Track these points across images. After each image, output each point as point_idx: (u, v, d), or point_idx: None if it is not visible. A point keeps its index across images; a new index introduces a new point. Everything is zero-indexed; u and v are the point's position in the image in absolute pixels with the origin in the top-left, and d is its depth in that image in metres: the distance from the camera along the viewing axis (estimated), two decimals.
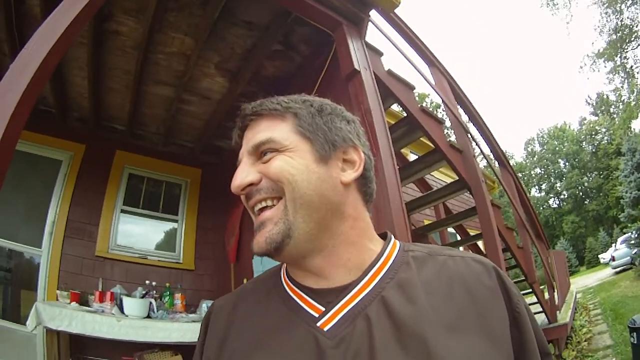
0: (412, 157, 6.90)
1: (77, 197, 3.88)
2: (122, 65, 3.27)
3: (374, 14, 2.85)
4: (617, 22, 13.42)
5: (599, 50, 13.84)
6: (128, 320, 3.13)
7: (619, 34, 13.33)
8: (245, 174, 0.62)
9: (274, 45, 2.95)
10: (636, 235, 14.46)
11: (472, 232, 5.29)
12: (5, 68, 3.02)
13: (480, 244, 5.49)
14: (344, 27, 2.65)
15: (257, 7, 2.77)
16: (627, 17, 13.35)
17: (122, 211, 4.25)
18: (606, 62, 13.73)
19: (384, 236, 0.69)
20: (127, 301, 3.31)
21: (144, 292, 3.63)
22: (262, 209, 0.61)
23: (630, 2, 13.21)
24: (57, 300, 3.30)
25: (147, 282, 3.80)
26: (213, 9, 2.73)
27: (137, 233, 4.38)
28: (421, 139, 3.44)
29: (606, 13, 13.54)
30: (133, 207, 4.36)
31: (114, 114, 4.03)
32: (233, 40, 2.99)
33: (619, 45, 13.31)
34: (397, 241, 0.67)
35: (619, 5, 13.29)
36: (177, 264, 4.34)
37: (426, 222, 5.17)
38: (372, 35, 2.87)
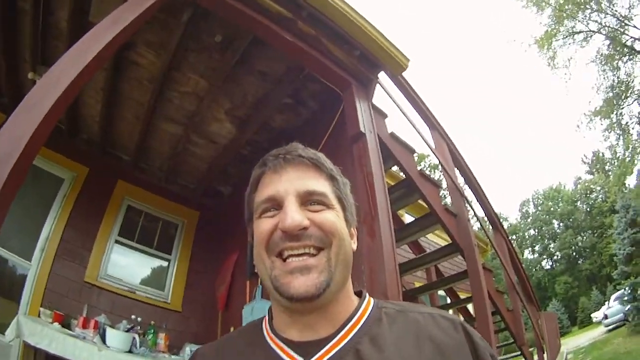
0: (407, 217, 6.95)
1: (73, 219, 3.86)
2: (136, 96, 3.36)
3: (382, 75, 2.99)
4: (613, 79, 13.94)
5: (595, 109, 14.27)
6: (109, 352, 3.07)
7: (615, 91, 13.80)
8: (301, 216, 0.63)
9: (284, 98, 3.07)
10: (629, 291, 14.40)
11: (462, 295, 5.26)
12: (24, 73, 3.15)
13: (470, 306, 5.45)
14: (353, 87, 2.78)
15: (273, 59, 2.91)
16: (624, 73, 13.88)
17: (116, 241, 4.21)
18: (602, 119, 14.12)
19: (359, 294, 0.73)
20: (110, 332, 3.25)
21: (128, 326, 3.55)
22: (299, 254, 0.63)
23: (626, 57, 13.72)
24: (39, 317, 3.22)
25: (132, 316, 3.71)
26: (231, 56, 2.87)
27: (128, 266, 4.32)
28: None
29: (603, 70, 14.12)
30: (128, 239, 4.31)
31: (121, 142, 4.09)
32: (246, 89, 3.12)
33: (615, 102, 13.75)
34: (371, 298, 0.71)
35: (616, 62, 13.81)
36: (164, 303, 4.25)
37: (417, 284, 5.16)
38: (377, 93, 2.99)
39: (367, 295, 0.73)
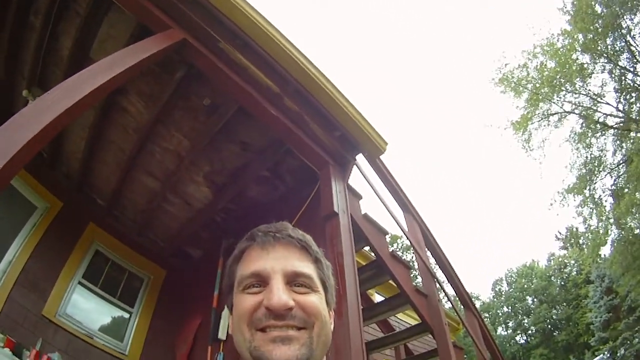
0: (377, 296, 6.89)
1: (39, 250, 3.73)
2: (120, 143, 3.37)
3: (360, 157, 3.08)
4: (586, 156, 14.43)
5: (568, 186, 14.65)
6: None
7: (588, 167, 14.27)
8: (287, 297, 0.64)
9: (262, 170, 3.11)
10: (609, 355, 14.34)
11: None
12: (19, 89, 3.14)
13: None
14: (330, 167, 2.85)
15: (256, 130, 2.98)
16: (597, 148, 14.44)
17: (80, 282, 4.06)
18: (575, 196, 14.51)
19: None
20: None
21: None
22: (281, 328, 0.63)
23: (599, 133, 14.31)
24: None
25: None
26: (216, 121, 2.93)
27: (89, 310, 4.13)
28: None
29: (577, 148, 14.66)
30: (92, 283, 4.16)
31: (98, 185, 4.05)
32: (226, 156, 3.16)
33: (588, 178, 14.14)
34: None
35: (589, 139, 14.42)
36: (122, 355, 4.04)
37: None
38: (354, 172, 3.07)
39: None
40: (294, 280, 0.67)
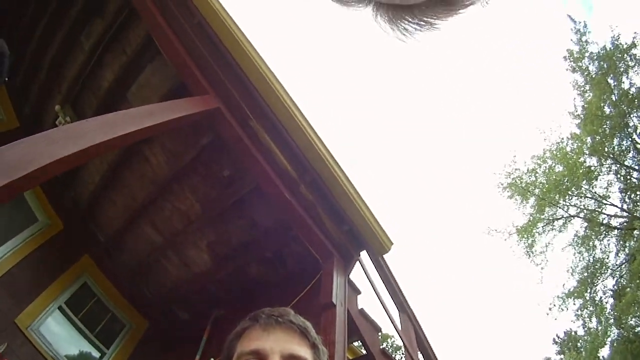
0: None
1: (29, 260, 3.75)
2: (133, 189, 3.44)
3: (363, 253, 3.11)
4: (589, 259, 14.23)
5: (569, 290, 14.33)
6: None
7: (590, 270, 14.04)
8: None
9: (266, 251, 3.14)
10: None
11: None
12: (53, 102, 3.27)
13: None
14: (334, 259, 2.88)
15: (267, 211, 3.04)
16: (600, 251, 14.24)
17: (60, 307, 4.03)
18: (575, 300, 14.19)
19: None
20: None
21: None
22: None
23: (602, 235, 14.18)
24: None
25: None
26: (231, 194, 3.00)
27: (62, 336, 4.07)
28: None
29: (579, 252, 14.50)
30: (72, 311, 4.12)
31: (102, 221, 4.08)
32: (234, 230, 3.21)
33: (589, 280, 13.88)
34: None
35: (592, 241, 14.30)
36: None
37: None
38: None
39: None
40: None
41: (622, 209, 14.42)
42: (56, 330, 3.99)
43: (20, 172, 1.37)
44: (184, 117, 2.25)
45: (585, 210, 14.85)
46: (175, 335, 4.32)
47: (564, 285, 14.90)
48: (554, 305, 14.49)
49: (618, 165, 14.19)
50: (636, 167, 14.09)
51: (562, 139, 14.77)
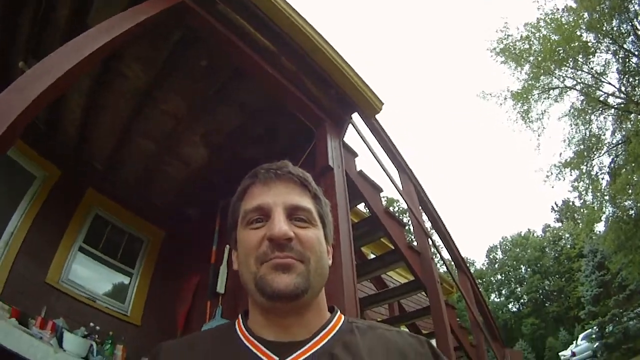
0: (372, 257, 7.05)
1: (40, 219, 3.79)
2: (117, 108, 3.37)
3: (356, 116, 3.11)
4: (585, 133, 14.45)
5: (565, 160, 14.68)
6: (65, 355, 2.98)
7: (586, 144, 14.31)
8: (288, 227, 0.69)
9: (258, 130, 3.14)
10: (597, 330, 14.74)
11: (425, 332, 5.31)
12: (14, 61, 3.11)
13: (433, 342, 5.48)
14: (326, 125, 2.88)
15: (252, 92, 2.99)
16: (596, 127, 14.47)
17: (81, 248, 4.15)
18: (572, 170, 14.54)
19: (331, 309, 0.79)
20: (67, 336, 3.16)
21: (86, 332, 3.46)
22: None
23: (599, 112, 14.31)
24: None
25: (91, 324, 3.61)
26: (213, 82, 2.95)
27: (90, 274, 4.24)
28: (382, 240, 3.57)
29: (576, 124, 14.63)
30: (92, 247, 4.25)
31: (96, 151, 4.08)
32: (223, 117, 3.18)
33: (586, 154, 14.22)
34: (342, 314, 0.77)
35: (589, 116, 14.41)
36: (124, 316, 4.17)
37: (379, 320, 5.19)
38: (350, 132, 3.10)
39: (339, 310, 0.79)
40: (294, 214, 0.73)
41: (619, 90, 14.27)
42: (84, 271, 4.15)
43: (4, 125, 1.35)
44: (148, 19, 2.12)
45: (581, 84, 14.69)
46: (190, 235, 4.50)
47: (560, 154, 15.27)
48: (551, 173, 14.93)
49: (617, 47, 13.79)
50: (636, 53, 13.69)
51: (557, 9, 14.26)
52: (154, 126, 3.46)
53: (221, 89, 2.99)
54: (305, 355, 0.65)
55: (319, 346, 0.67)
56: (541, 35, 14.55)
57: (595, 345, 15.29)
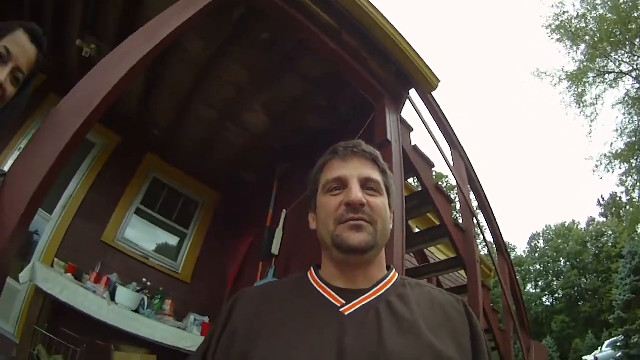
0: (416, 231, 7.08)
1: (99, 183, 4.10)
2: (178, 77, 3.56)
3: (413, 92, 3.18)
4: (638, 124, 13.79)
5: (616, 151, 14.01)
6: (117, 308, 3.26)
7: (638, 137, 13.66)
8: (362, 195, 0.84)
9: (319, 101, 3.27)
10: (623, 338, 14.08)
11: None
12: (71, 39, 3.30)
13: None
14: (385, 99, 2.98)
15: (315, 62, 3.11)
16: None
17: (138, 209, 4.48)
18: (622, 163, 13.88)
19: (388, 267, 0.93)
20: (120, 290, 3.44)
21: (138, 287, 3.76)
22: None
23: None
24: (52, 267, 3.41)
25: (143, 280, 3.90)
26: (276, 54, 3.08)
27: (145, 234, 4.59)
28: (428, 215, 3.62)
29: (630, 114, 13.97)
30: (149, 208, 4.59)
31: (156, 119, 4.31)
32: (285, 86, 3.32)
33: (637, 147, 13.59)
34: (396, 272, 0.92)
35: None
36: (175, 273, 4.50)
37: None
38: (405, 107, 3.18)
39: (394, 268, 0.95)
40: (366, 185, 0.87)
41: None
42: (139, 231, 4.47)
43: (92, 107, 1.49)
44: (211, 3, 2.21)
45: (637, 71, 13.80)
46: (245, 198, 4.74)
47: (612, 144, 14.43)
48: (601, 163, 14.24)
49: None
50: None
51: None
52: (215, 94, 3.64)
53: (283, 60, 3.12)
54: (367, 301, 0.79)
55: (378, 294, 0.82)
56: (597, 14, 13.70)
57: (618, 355, 14.61)
